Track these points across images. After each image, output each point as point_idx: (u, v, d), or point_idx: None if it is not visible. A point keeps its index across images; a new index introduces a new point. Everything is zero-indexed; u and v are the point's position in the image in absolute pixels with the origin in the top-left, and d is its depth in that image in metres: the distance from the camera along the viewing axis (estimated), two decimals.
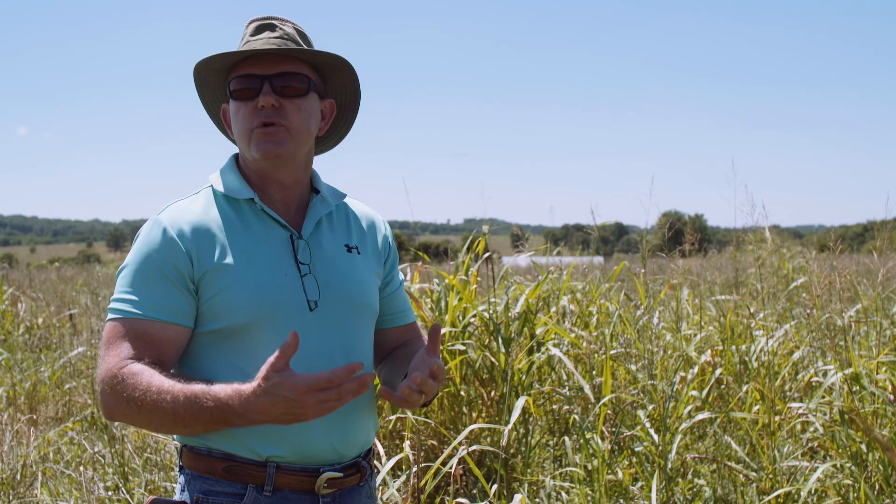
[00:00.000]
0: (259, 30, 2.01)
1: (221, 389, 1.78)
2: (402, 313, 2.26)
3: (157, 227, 1.92)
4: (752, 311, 5.43)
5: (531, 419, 4.68)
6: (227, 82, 2.03)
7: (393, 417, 4.38)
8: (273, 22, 2.01)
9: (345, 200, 2.18)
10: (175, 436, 2.01)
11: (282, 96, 1.95)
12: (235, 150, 2.11)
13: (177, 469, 2.03)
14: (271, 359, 1.73)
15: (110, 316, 1.90)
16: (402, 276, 2.29)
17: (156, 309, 1.87)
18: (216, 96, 2.11)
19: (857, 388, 4.19)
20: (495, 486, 3.86)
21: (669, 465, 4.02)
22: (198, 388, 1.79)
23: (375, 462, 3.91)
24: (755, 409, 4.59)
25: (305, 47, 2.02)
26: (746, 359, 4.85)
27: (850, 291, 5.67)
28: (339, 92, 2.14)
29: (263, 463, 1.89)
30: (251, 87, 1.95)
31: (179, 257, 1.89)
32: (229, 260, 1.90)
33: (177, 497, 1.96)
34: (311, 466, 1.93)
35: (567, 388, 4.96)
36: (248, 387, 1.76)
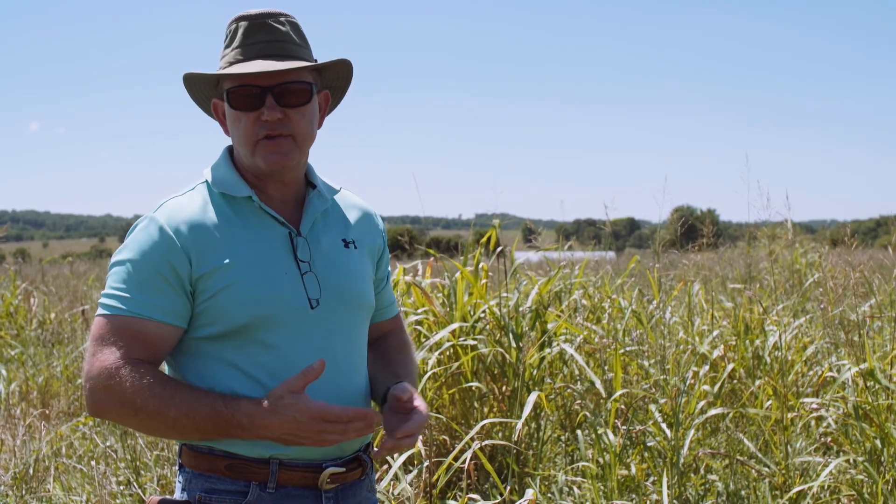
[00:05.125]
0: (252, 31, 1.93)
1: (228, 401, 1.79)
2: (389, 307, 2.25)
3: (153, 225, 1.88)
4: (765, 306, 5.40)
5: (543, 414, 4.67)
6: (218, 83, 1.97)
7: None
8: (266, 21, 1.93)
9: (340, 192, 2.14)
10: None
11: (286, 107, 1.91)
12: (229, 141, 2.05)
13: (177, 467, 2.01)
14: (290, 379, 1.76)
15: (102, 311, 1.86)
16: (389, 268, 2.26)
17: (151, 308, 1.84)
18: (205, 89, 2.04)
19: (872, 382, 4.17)
20: (509, 486, 3.86)
21: (682, 461, 4.00)
22: (203, 397, 1.79)
23: (387, 457, 3.90)
24: (767, 404, 4.57)
25: (309, 62, 1.95)
26: (760, 353, 4.83)
27: (864, 287, 5.64)
28: (332, 78, 2.08)
29: (266, 460, 1.88)
30: (252, 97, 1.89)
31: (177, 257, 1.85)
32: (228, 260, 1.87)
33: (177, 496, 1.94)
34: (313, 462, 1.91)
35: (578, 383, 4.95)
36: (258, 401, 1.77)
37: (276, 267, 1.91)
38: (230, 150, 2.05)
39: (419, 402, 1.95)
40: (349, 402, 1.95)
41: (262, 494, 1.88)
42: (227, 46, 1.96)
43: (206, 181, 1.98)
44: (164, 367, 1.95)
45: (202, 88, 2.03)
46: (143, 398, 1.78)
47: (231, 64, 1.92)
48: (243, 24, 1.94)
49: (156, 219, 1.89)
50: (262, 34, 1.92)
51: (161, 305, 1.85)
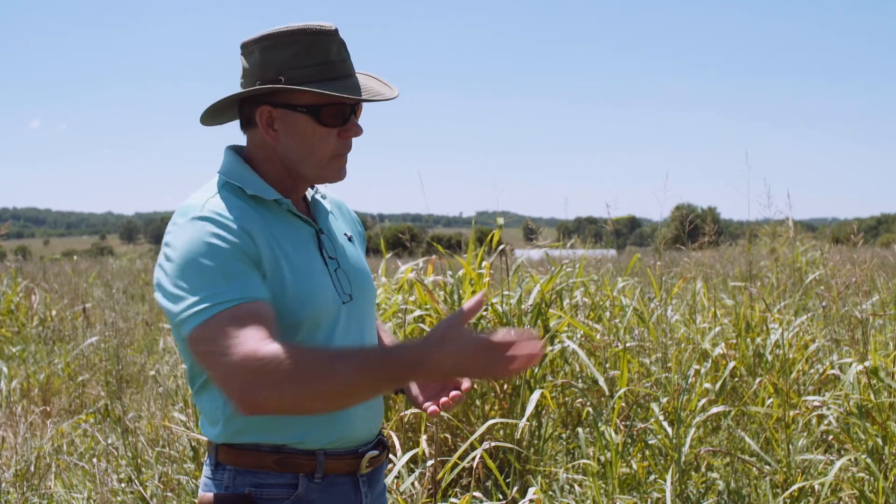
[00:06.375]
0: (335, 48, 1.91)
1: (390, 348, 1.70)
2: None
3: (209, 224, 1.79)
4: (767, 303, 5.41)
5: (544, 411, 4.67)
6: (290, 96, 1.90)
7: (408, 412, 4.38)
8: (339, 36, 1.93)
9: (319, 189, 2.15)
10: (210, 435, 1.93)
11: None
12: (229, 142, 2.03)
13: (208, 465, 1.98)
14: (452, 315, 1.66)
15: (203, 317, 1.72)
16: None
17: (254, 290, 1.75)
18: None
19: (875, 381, 4.17)
20: (515, 486, 3.85)
21: (683, 458, 4.00)
22: (359, 352, 1.73)
23: (391, 455, 3.91)
24: (769, 402, 4.57)
25: (394, 90, 2.01)
26: (762, 351, 4.83)
27: (867, 285, 5.64)
28: None
29: (313, 452, 1.90)
30: (341, 115, 1.91)
31: (247, 245, 1.79)
32: (276, 262, 1.84)
33: (205, 492, 1.92)
34: (353, 449, 1.96)
35: (580, 380, 4.95)
36: (421, 340, 1.65)
37: (313, 266, 1.91)
38: (240, 153, 2.00)
39: None
40: None
41: (311, 485, 1.90)
42: (298, 58, 1.88)
43: (228, 182, 1.92)
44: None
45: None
46: (307, 367, 1.66)
47: (324, 81, 1.88)
48: (322, 38, 1.90)
49: (209, 217, 1.81)
50: (343, 52, 1.93)
51: (254, 285, 1.77)
